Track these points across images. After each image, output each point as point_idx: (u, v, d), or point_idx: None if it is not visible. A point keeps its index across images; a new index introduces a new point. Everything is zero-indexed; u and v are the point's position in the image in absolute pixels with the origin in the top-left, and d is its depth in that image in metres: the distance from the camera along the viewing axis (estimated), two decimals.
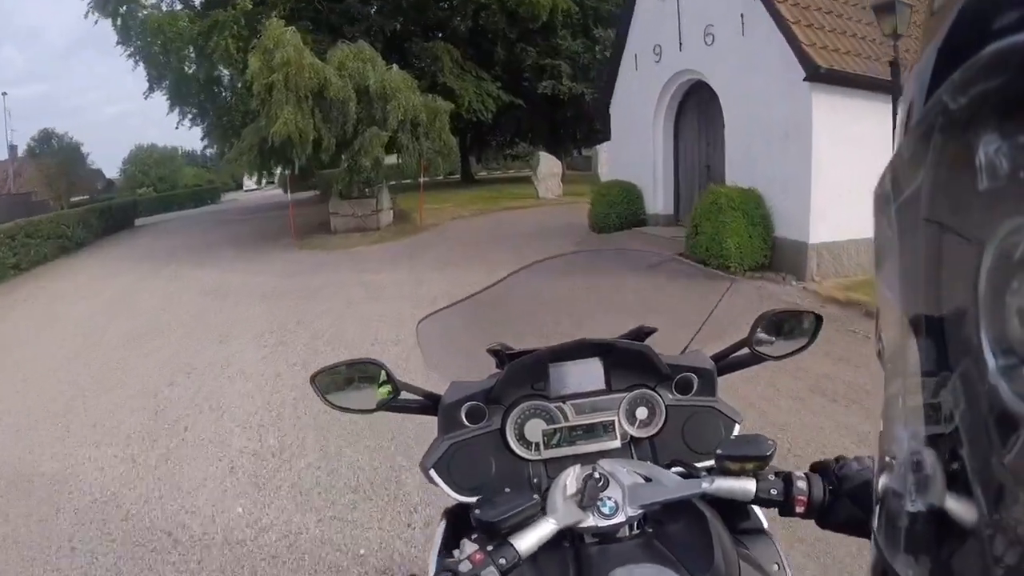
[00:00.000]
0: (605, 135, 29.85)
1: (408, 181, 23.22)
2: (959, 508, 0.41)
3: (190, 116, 25.19)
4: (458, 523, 1.56)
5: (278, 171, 20.21)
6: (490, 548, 1.12)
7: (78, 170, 38.05)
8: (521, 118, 30.75)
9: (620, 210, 13.24)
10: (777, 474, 1.26)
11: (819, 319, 1.65)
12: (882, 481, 0.52)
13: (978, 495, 0.39)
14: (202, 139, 24.85)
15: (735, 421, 1.60)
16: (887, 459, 0.51)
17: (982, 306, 0.38)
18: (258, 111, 15.75)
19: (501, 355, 1.73)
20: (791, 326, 1.66)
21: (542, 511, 1.21)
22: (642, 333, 1.73)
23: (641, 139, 13.04)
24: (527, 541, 1.15)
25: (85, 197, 36.61)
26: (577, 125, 31.57)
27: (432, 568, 1.47)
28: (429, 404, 1.65)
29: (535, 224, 15.45)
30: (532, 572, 1.19)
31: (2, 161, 38.84)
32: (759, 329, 1.63)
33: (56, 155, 36.89)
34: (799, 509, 1.23)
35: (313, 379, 1.55)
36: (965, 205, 0.40)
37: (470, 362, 1.82)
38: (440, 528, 1.60)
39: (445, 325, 1.88)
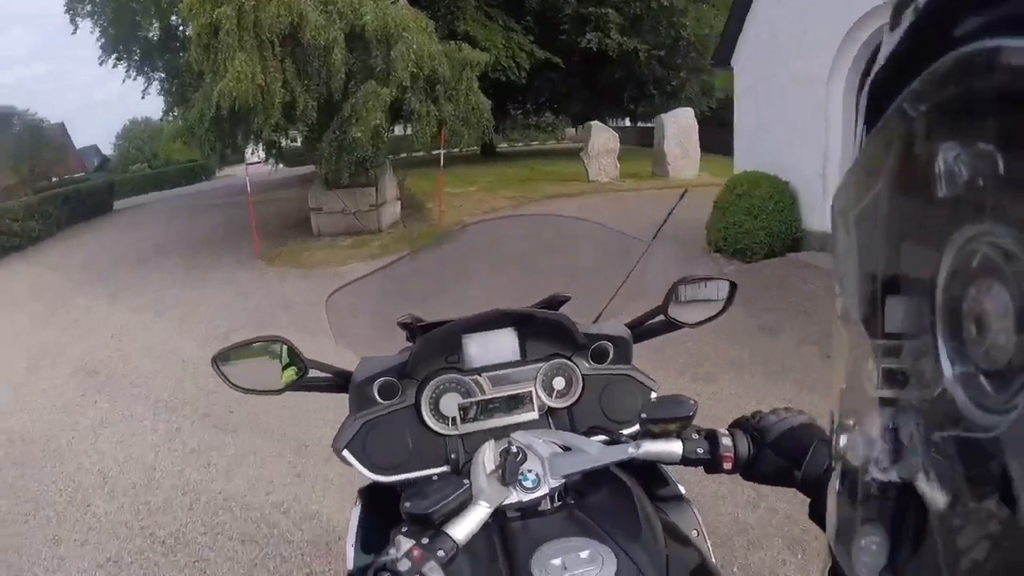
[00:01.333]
0: (665, 102, 25.38)
1: (419, 154, 18.09)
2: (932, 491, 0.41)
3: (157, 82, 19.69)
4: (373, 503, 1.57)
5: (257, 148, 15.34)
6: (426, 541, 1.08)
7: (45, 152, 33.26)
8: (556, 80, 25.57)
9: (769, 223, 8.17)
10: (700, 433, 1.26)
11: (733, 286, 1.68)
12: (841, 444, 0.52)
13: (931, 472, 0.41)
14: (164, 111, 19.09)
15: (651, 388, 1.60)
16: (848, 423, 0.51)
17: (939, 314, 0.40)
18: (200, 66, 10.77)
19: (412, 328, 1.68)
20: (706, 293, 1.68)
21: (471, 496, 1.17)
22: (556, 302, 1.73)
23: (798, 108, 8.21)
24: (463, 529, 1.11)
25: (54, 180, 32.17)
26: (625, 89, 26.45)
27: (351, 554, 1.47)
28: (339, 382, 1.60)
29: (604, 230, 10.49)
30: (464, 556, 1.13)
31: None
32: (674, 296, 1.65)
33: (18, 136, 32.12)
34: (726, 465, 1.22)
35: (215, 360, 1.48)
36: (923, 213, 0.41)
37: (383, 336, 1.79)
38: (356, 511, 1.59)
39: (356, 298, 1.96)
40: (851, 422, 0.51)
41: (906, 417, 0.44)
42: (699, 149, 17.88)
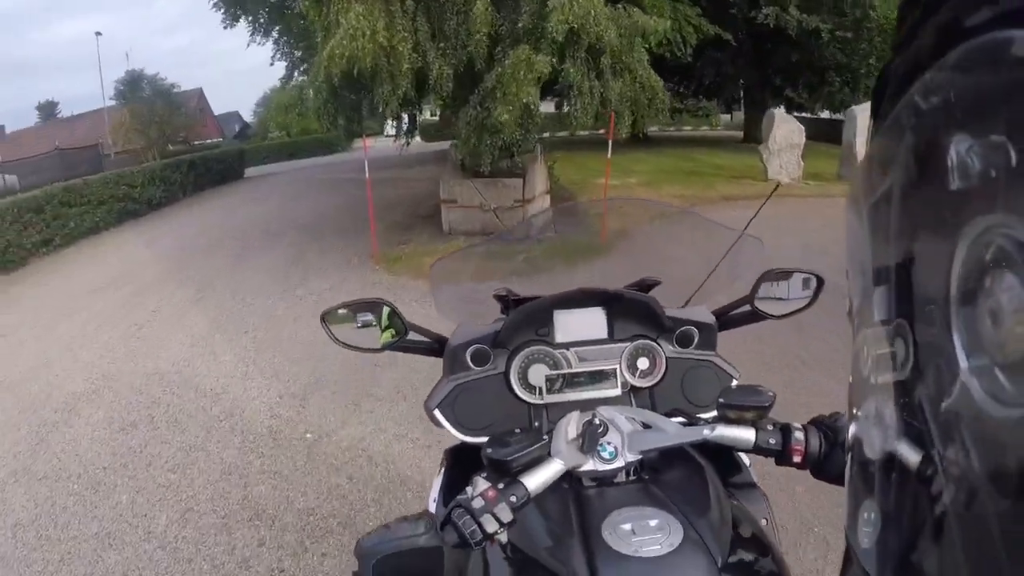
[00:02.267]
0: (841, 92, 22.21)
1: (561, 133, 15.59)
2: (908, 455, 0.44)
3: (282, 46, 17.83)
4: (458, 464, 1.65)
5: (390, 123, 13.31)
6: (501, 486, 1.12)
7: (177, 117, 32.97)
8: (722, 60, 22.68)
9: None
10: (775, 425, 1.27)
11: (820, 281, 1.69)
12: (851, 431, 0.54)
13: (928, 445, 0.42)
14: (282, 79, 17.34)
15: (732, 376, 1.65)
16: (854, 411, 0.54)
17: (953, 305, 0.40)
18: (314, 24, 8.75)
19: (506, 300, 1.74)
20: (793, 286, 1.69)
21: (548, 452, 1.21)
22: (646, 285, 1.76)
23: None
24: (536, 480, 1.15)
25: (182, 146, 31.84)
26: (801, 74, 23.44)
27: (434, 507, 1.58)
28: (436, 346, 1.69)
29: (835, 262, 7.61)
30: (536, 511, 1.22)
31: (94, 112, 34.93)
32: (761, 287, 1.68)
33: (147, 100, 32.05)
34: (796, 459, 1.24)
35: (323, 317, 1.58)
36: (937, 204, 0.41)
37: (479, 307, 1.87)
38: (441, 470, 1.69)
39: (456, 269, 2.07)
40: (859, 411, 0.52)
41: (908, 396, 0.44)
42: None
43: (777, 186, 2.20)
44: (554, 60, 8.89)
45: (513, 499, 1.10)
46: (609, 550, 1.13)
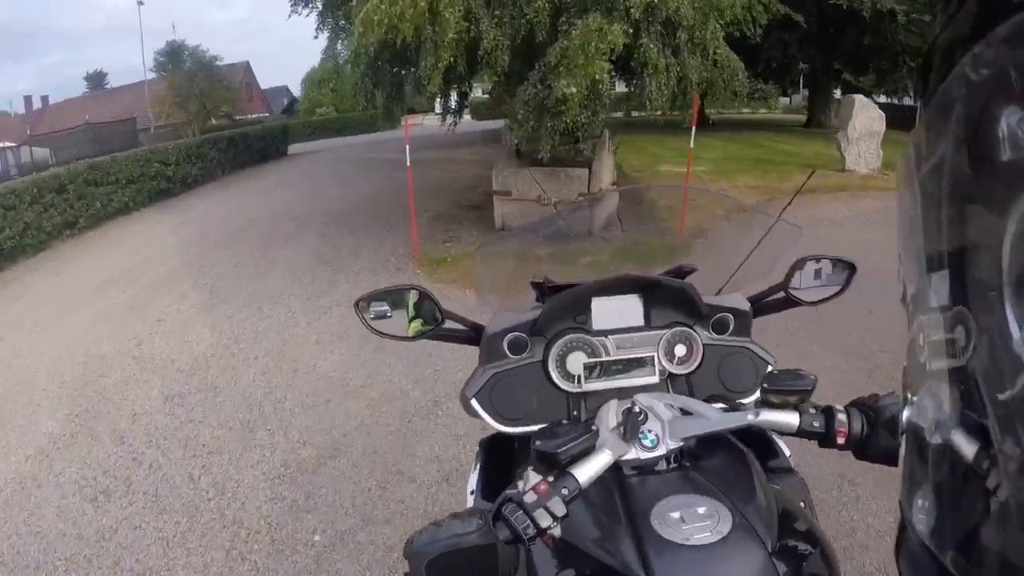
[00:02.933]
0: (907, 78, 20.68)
1: (617, 114, 14.34)
2: (966, 443, 0.44)
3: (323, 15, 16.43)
4: (493, 455, 1.63)
5: (438, 100, 12.17)
6: (552, 479, 1.10)
7: (220, 91, 32.25)
8: (790, 41, 21.32)
9: None
10: (817, 408, 1.25)
11: (853, 268, 1.67)
12: (905, 417, 0.54)
13: (990, 429, 0.41)
14: (324, 51, 16.02)
15: (768, 363, 1.61)
16: (908, 396, 0.53)
17: (1006, 275, 0.39)
18: None
19: (543, 287, 1.72)
20: (826, 273, 1.68)
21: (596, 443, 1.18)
22: (682, 272, 1.73)
23: None
24: (586, 472, 1.12)
25: (225, 121, 31.22)
26: (872, 58, 22.25)
27: (471, 500, 1.56)
28: (472, 334, 1.64)
29: None
30: (582, 502, 1.16)
31: (138, 84, 34.37)
32: (795, 274, 1.66)
33: (188, 73, 31.38)
34: (840, 440, 1.22)
35: (356, 304, 1.54)
36: (988, 176, 0.41)
37: (517, 294, 1.86)
38: (478, 460, 1.66)
39: (499, 258, 2.04)
40: (914, 396, 0.51)
41: (966, 385, 0.43)
42: None
43: (813, 172, 2.26)
44: (629, 31, 7.59)
45: (565, 492, 1.07)
46: (660, 539, 1.10)
